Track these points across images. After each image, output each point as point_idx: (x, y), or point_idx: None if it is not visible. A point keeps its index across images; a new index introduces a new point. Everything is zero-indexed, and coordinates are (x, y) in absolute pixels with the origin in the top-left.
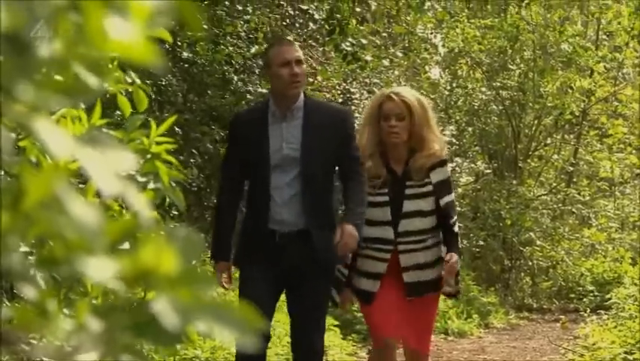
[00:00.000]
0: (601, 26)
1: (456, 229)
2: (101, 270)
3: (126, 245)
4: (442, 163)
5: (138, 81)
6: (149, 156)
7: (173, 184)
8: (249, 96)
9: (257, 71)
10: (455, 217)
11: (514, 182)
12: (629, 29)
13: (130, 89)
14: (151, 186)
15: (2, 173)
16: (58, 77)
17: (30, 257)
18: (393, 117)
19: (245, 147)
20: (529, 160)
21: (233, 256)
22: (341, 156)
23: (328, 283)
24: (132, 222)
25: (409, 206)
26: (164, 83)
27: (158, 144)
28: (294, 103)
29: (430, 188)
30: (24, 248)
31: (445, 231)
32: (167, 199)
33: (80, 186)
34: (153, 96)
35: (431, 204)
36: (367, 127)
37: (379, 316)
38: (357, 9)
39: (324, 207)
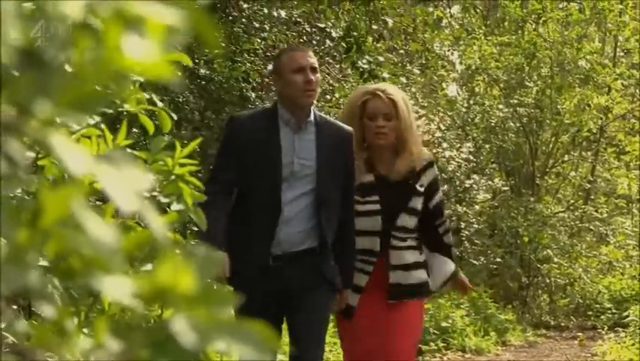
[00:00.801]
0: (618, 43)
1: (444, 228)
2: (118, 288)
3: (149, 266)
4: (431, 164)
5: (160, 104)
6: (172, 177)
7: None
8: None
9: (274, 88)
10: (444, 218)
11: (532, 199)
12: None
13: (151, 109)
14: (174, 207)
15: (20, 191)
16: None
17: (49, 275)
18: (380, 117)
19: (249, 155)
20: (546, 177)
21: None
22: (342, 186)
23: (331, 296)
24: (147, 236)
25: (412, 203)
26: (181, 100)
27: (182, 165)
28: (307, 114)
29: (421, 189)
30: (43, 263)
31: (432, 232)
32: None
33: (99, 204)
34: (175, 117)
35: (420, 204)
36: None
37: (353, 341)
38: (374, 26)
39: (332, 227)
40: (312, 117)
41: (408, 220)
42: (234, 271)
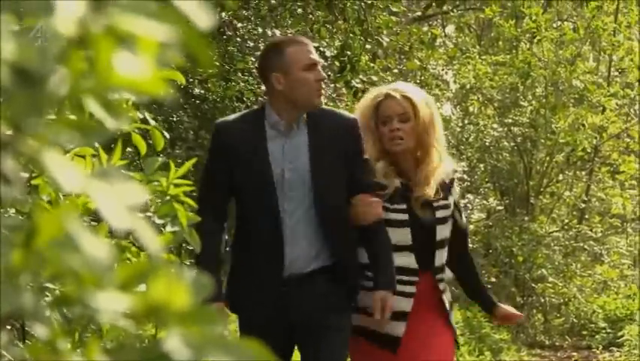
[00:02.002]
0: (613, 63)
1: (472, 260)
2: (112, 306)
3: (142, 287)
4: (454, 179)
5: (153, 122)
6: (167, 197)
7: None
8: None
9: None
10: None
11: (526, 218)
12: None
13: (144, 128)
14: (169, 228)
15: (14, 211)
16: (70, 115)
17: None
18: (395, 118)
19: (236, 164)
20: (541, 197)
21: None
22: (352, 180)
23: (348, 326)
24: (146, 265)
25: (441, 232)
26: (175, 119)
27: (176, 185)
28: (301, 114)
29: (450, 211)
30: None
31: (465, 264)
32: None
33: (93, 223)
34: (167, 135)
35: (449, 231)
36: (365, 134)
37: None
38: (368, 45)
39: (346, 239)
40: (304, 115)
41: (444, 255)
42: (242, 306)
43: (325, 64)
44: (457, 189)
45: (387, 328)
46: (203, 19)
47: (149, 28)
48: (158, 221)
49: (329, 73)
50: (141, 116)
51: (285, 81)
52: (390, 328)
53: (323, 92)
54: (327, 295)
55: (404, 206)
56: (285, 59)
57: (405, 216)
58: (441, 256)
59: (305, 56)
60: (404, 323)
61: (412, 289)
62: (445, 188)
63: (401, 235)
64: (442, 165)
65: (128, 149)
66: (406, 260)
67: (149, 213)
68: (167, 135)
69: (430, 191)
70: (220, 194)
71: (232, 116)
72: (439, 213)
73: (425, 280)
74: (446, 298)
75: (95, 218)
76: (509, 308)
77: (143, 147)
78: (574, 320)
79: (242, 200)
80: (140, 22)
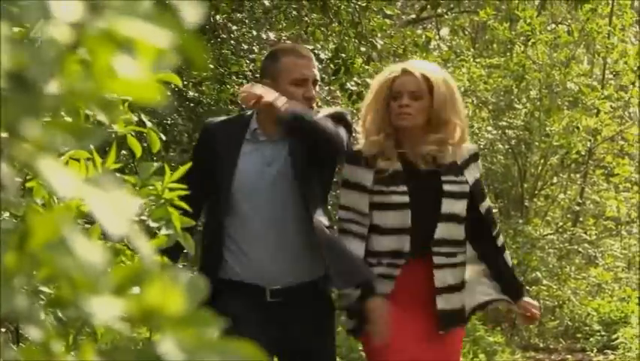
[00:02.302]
0: (607, 65)
1: (502, 243)
2: (106, 310)
3: (136, 290)
4: (476, 156)
5: (149, 124)
6: (162, 201)
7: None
8: None
9: None
10: (498, 228)
11: (521, 221)
12: (635, 68)
13: (140, 130)
14: (163, 231)
15: (7, 214)
16: (66, 118)
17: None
18: (405, 95)
19: (211, 166)
20: (535, 199)
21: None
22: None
23: (334, 335)
24: (140, 267)
25: (447, 206)
26: (169, 122)
27: (171, 190)
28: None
29: (466, 188)
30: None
31: (487, 246)
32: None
33: (87, 227)
34: (164, 138)
35: (464, 209)
36: (373, 109)
37: (391, 355)
38: (363, 48)
39: (318, 252)
40: None
41: (454, 231)
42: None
43: (320, 66)
44: (478, 167)
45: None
46: (193, 14)
47: (146, 31)
48: (153, 224)
49: (323, 75)
50: (136, 119)
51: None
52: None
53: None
54: (320, 311)
55: (404, 188)
56: (277, 67)
57: (405, 198)
58: (443, 230)
59: (298, 70)
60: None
61: (395, 271)
62: (458, 167)
63: (400, 218)
64: (459, 143)
65: (123, 151)
66: (401, 243)
67: (143, 217)
68: (164, 137)
69: (437, 162)
70: (193, 192)
71: (221, 118)
72: (446, 187)
73: (416, 263)
74: (442, 276)
75: (88, 221)
76: (529, 304)
77: (138, 150)
78: (568, 322)
79: (222, 202)
80: (136, 25)
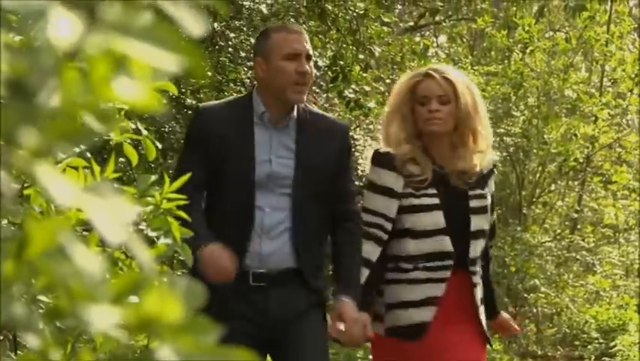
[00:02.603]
0: (605, 73)
1: (491, 253)
2: (104, 318)
3: (134, 298)
4: (494, 169)
5: (145, 132)
6: (160, 211)
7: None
8: None
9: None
10: (493, 240)
11: (519, 228)
12: (634, 76)
13: (136, 138)
14: (162, 240)
15: (5, 222)
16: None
17: (38, 307)
18: (434, 99)
19: (219, 152)
20: (533, 207)
21: None
22: (334, 185)
23: (325, 330)
24: (138, 276)
25: (476, 223)
26: (167, 129)
27: (170, 200)
28: (290, 110)
29: (488, 201)
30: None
31: (482, 258)
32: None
33: (85, 234)
34: (159, 145)
35: (489, 222)
36: (396, 115)
37: (448, 351)
38: (361, 56)
39: (317, 244)
40: (294, 113)
41: (480, 247)
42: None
43: (317, 74)
44: (493, 181)
45: (414, 317)
46: (196, 26)
47: (144, 52)
48: (151, 233)
49: (321, 83)
50: (133, 126)
51: (265, 68)
52: (418, 315)
53: (303, 88)
54: (301, 295)
55: (434, 190)
56: (268, 44)
57: (436, 200)
58: (475, 248)
59: (289, 45)
60: (434, 308)
61: (445, 274)
62: (483, 178)
63: (433, 218)
64: (485, 152)
65: (120, 159)
66: (439, 244)
67: (141, 226)
68: (159, 145)
69: (467, 177)
70: (198, 173)
71: (217, 102)
72: (473, 203)
73: (458, 272)
74: (479, 293)
75: (86, 228)
76: (509, 319)
77: (134, 158)
78: (566, 330)
79: (218, 185)
80: (134, 45)
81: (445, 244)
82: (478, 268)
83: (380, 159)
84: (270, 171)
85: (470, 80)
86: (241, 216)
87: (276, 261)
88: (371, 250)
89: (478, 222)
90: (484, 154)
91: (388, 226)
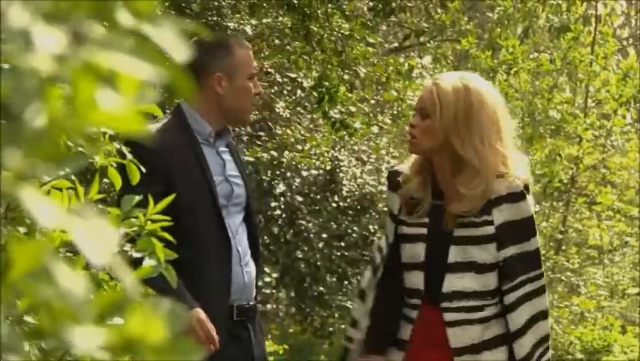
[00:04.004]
0: (589, 93)
1: (517, 295)
2: (88, 339)
3: (118, 320)
4: (517, 196)
5: (129, 155)
6: (144, 232)
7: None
8: None
9: (245, 138)
10: (522, 278)
11: None
12: (618, 96)
13: (120, 162)
14: (146, 262)
15: None
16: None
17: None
18: (417, 113)
19: (181, 182)
20: None
21: None
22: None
23: None
24: (121, 295)
25: (456, 254)
26: None
27: (154, 221)
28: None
29: (490, 230)
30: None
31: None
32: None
33: (69, 255)
34: (144, 170)
35: (493, 254)
36: None
37: None
38: (347, 76)
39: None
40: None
41: (471, 282)
42: None
43: (302, 94)
44: (519, 209)
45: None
46: (180, 52)
47: (128, 64)
48: (136, 255)
49: (306, 104)
50: (117, 147)
51: (227, 86)
52: (391, 356)
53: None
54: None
55: (425, 220)
56: (233, 61)
57: (422, 230)
58: (452, 283)
59: (252, 64)
60: (401, 354)
61: (413, 313)
62: (488, 203)
63: (414, 251)
64: (492, 173)
65: (105, 180)
66: (414, 281)
67: (126, 248)
68: (144, 169)
69: (463, 207)
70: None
71: (155, 125)
72: (459, 232)
73: (427, 308)
74: (459, 332)
75: (70, 250)
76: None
77: (117, 182)
78: (551, 351)
79: (184, 217)
80: (118, 58)
81: (417, 280)
82: (458, 304)
83: (388, 178)
84: (225, 193)
85: (486, 90)
86: (218, 244)
87: (250, 291)
88: (365, 277)
89: (461, 254)
90: (489, 179)
91: (385, 250)
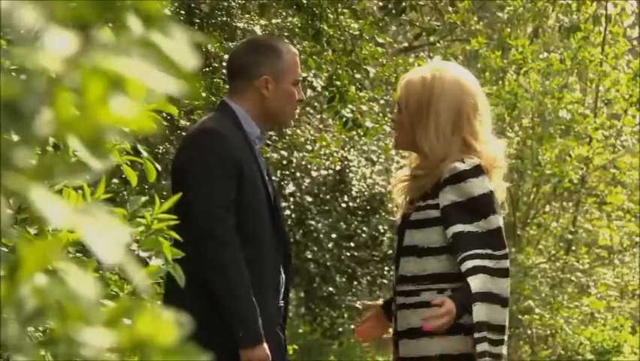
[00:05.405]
0: (599, 93)
1: (468, 265)
2: (97, 341)
3: (127, 321)
4: (457, 178)
5: (145, 153)
6: (151, 231)
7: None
8: None
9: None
10: (468, 253)
11: (513, 250)
12: (628, 96)
13: (136, 160)
14: (154, 261)
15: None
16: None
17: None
18: (396, 108)
19: (247, 181)
20: (527, 228)
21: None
22: None
23: None
24: (131, 302)
25: (406, 239)
26: (161, 151)
27: (160, 220)
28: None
29: (433, 214)
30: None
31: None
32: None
33: (78, 255)
34: (159, 168)
35: (436, 238)
36: None
37: None
38: (357, 75)
39: None
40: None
41: (412, 266)
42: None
43: (312, 94)
44: (460, 189)
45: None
46: (188, 60)
47: (137, 70)
48: (143, 254)
49: (315, 104)
50: (132, 145)
51: (274, 89)
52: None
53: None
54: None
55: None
56: (282, 65)
57: (398, 222)
58: (406, 266)
59: (298, 70)
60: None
61: (393, 306)
62: (435, 186)
63: (395, 243)
64: (442, 159)
65: (114, 180)
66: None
67: (133, 247)
68: (159, 167)
69: (412, 192)
70: (232, 214)
71: (216, 124)
72: (412, 217)
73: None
74: (408, 315)
75: (80, 250)
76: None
77: (134, 179)
78: (561, 351)
79: (251, 220)
80: (127, 63)
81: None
82: (410, 288)
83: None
84: (274, 195)
85: (451, 78)
86: (275, 245)
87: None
88: None
89: (408, 239)
90: (439, 163)
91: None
